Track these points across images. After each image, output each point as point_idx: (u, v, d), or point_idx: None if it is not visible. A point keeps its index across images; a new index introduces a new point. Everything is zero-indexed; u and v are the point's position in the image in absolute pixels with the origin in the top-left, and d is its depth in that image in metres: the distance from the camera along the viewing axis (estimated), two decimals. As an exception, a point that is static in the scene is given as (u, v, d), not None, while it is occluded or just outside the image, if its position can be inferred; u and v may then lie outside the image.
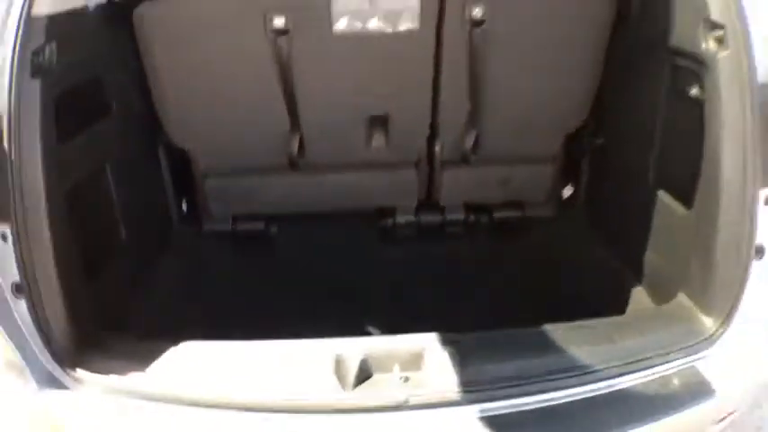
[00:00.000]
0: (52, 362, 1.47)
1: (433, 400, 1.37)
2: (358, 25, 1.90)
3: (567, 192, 2.53)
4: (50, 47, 1.51)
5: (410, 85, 2.07)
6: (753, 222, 1.48)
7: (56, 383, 1.47)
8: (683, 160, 1.71)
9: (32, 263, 1.43)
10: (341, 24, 1.90)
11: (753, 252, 1.50)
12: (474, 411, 1.35)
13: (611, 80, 2.12)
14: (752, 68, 1.43)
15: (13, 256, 1.41)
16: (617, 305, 1.88)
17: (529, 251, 2.36)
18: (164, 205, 2.37)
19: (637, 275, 1.98)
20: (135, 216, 2.03)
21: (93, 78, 1.84)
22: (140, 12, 1.91)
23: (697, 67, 1.62)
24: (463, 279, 2.24)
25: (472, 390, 1.38)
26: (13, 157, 1.40)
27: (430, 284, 2.20)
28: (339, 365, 1.42)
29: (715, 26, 1.52)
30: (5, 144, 1.40)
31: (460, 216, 2.41)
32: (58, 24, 1.54)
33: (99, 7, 1.85)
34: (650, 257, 1.93)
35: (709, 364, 1.51)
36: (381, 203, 2.41)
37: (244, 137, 2.18)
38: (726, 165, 1.53)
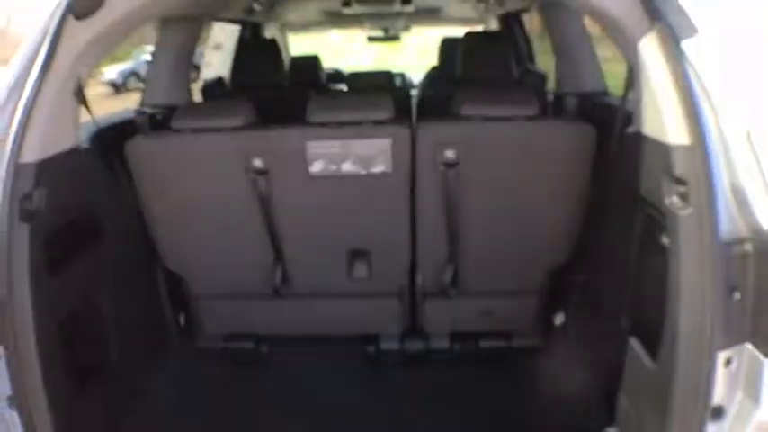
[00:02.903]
0: None
1: None
2: (332, 168, 1.99)
3: (559, 320, 2.49)
4: (39, 192, 1.63)
5: (387, 222, 2.14)
6: (710, 382, 1.43)
7: None
8: (651, 310, 1.66)
9: (23, 380, 1.55)
10: (316, 167, 1.99)
11: (708, 413, 1.45)
12: None
13: (592, 220, 2.13)
14: (714, 228, 1.38)
15: (4, 372, 1.53)
16: None
17: (515, 380, 2.32)
18: (160, 320, 2.45)
19: (609, 412, 1.93)
20: (128, 333, 2.11)
21: (86, 212, 1.94)
22: (132, 144, 2.05)
23: (663, 219, 1.59)
24: (448, 407, 2.20)
25: None
26: (4, 291, 1.51)
27: (414, 410, 2.17)
28: None
29: (678, 181, 1.49)
30: None
31: (445, 344, 2.41)
32: (47, 170, 1.66)
33: (91, 144, 1.99)
34: (622, 400, 1.88)
35: None
36: (366, 331, 2.43)
37: (231, 265, 2.27)
38: (684, 321, 1.48)
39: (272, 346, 2.47)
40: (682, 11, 1.49)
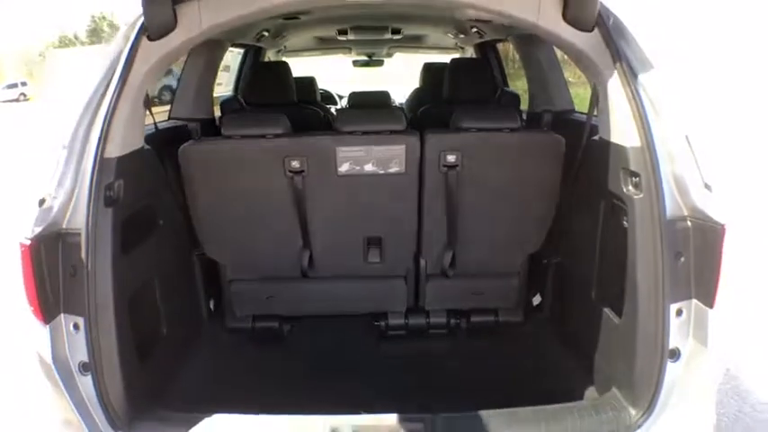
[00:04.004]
0: (108, 427, 1.76)
1: None
2: (357, 168, 2.41)
3: (537, 300, 2.93)
4: (119, 183, 1.91)
5: (399, 214, 2.55)
6: (665, 330, 1.77)
7: None
8: (615, 278, 2.05)
9: (99, 347, 1.76)
10: (343, 168, 2.41)
11: (666, 355, 1.78)
12: None
13: (563, 212, 2.57)
14: (661, 208, 1.76)
15: (82, 341, 1.75)
16: (568, 396, 2.10)
17: (500, 350, 2.71)
18: (195, 304, 2.77)
19: (585, 372, 2.29)
20: (174, 314, 2.41)
21: (148, 203, 2.23)
22: (184, 149, 2.39)
23: (623, 205, 2.00)
24: (443, 371, 2.56)
25: None
26: (89, 266, 1.75)
27: (415, 375, 2.50)
28: None
29: (632, 174, 1.90)
30: (83, 255, 1.74)
31: (443, 320, 2.82)
32: (124, 165, 1.92)
33: (153, 146, 2.28)
34: (594, 358, 2.24)
35: None
36: (376, 309, 2.82)
37: (264, 252, 2.64)
38: (642, 283, 1.84)
39: (294, 325, 2.84)
40: (639, 50, 1.87)
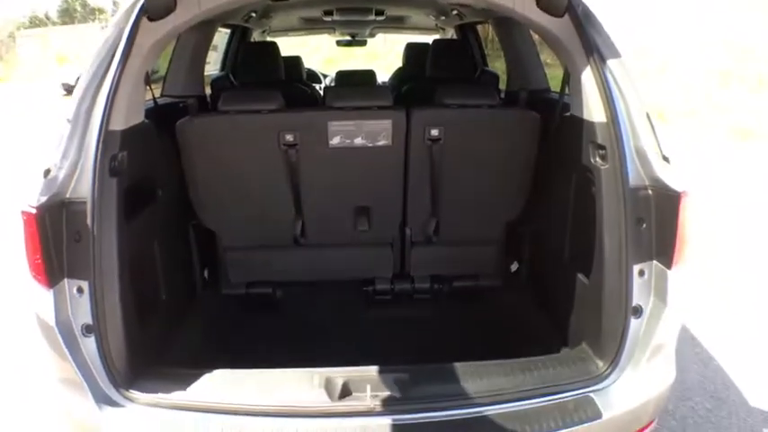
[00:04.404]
0: (110, 386, 1.83)
1: (392, 409, 1.82)
2: (347, 141, 2.56)
3: (514, 267, 3.12)
4: (122, 155, 1.98)
5: (386, 185, 2.72)
6: (629, 289, 1.90)
7: (112, 403, 1.83)
8: (584, 243, 2.21)
9: (103, 310, 1.83)
10: (335, 141, 2.56)
11: (630, 312, 1.92)
12: (419, 418, 1.82)
13: (539, 183, 2.75)
14: (625, 177, 1.89)
15: (86, 304, 1.80)
16: (542, 351, 2.20)
17: (480, 312, 2.88)
18: (191, 272, 2.89)
19: (557, 329, 2.47)
20: (172, 280, 2.52)
21: (148, 174, 2.30)
22: (183, 123, 2.50)
23: (591, 176, 2.15)
24: (427, 332, 2.70)
25: (419, 403, 1.85)
26: (94, 232, 1.80)
27: (401, 336, 2.65)
28: (328, 385, 1.88)
29: (599, 147, 2.04)
30: (89, 222, 1.79)
31: (426, 285, 2.99)
32: (127, 138, 1.99)
33: (152, 120, 2.35)
34: (566, 317, 2.41)
35: (599, 394, 1.92)
36: (364, 275, 2.99)
37: (258, 222, 2.78)
38: (608, 247, 1.99)
39: (286, 291, 2.98)
40: (606, 36, 2.00)
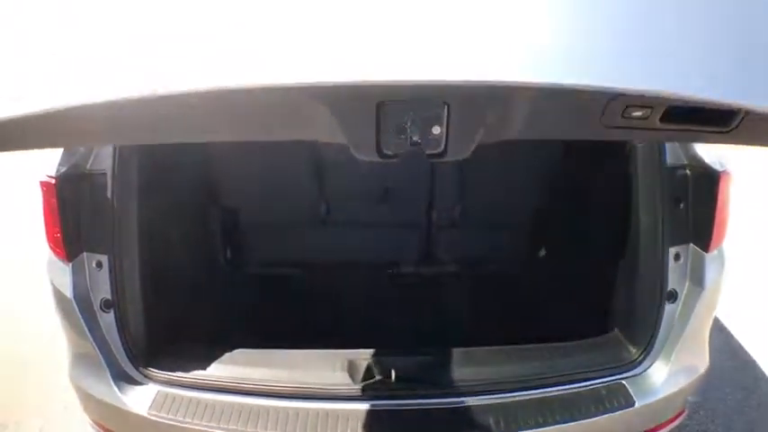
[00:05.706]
0: (128, 362, 1.81)
1: (419, 393, 1.79)
2: None
3: (542, 252, 3.02)
4: None
5: (413, 168, 2.64)
6: (664, 274, 1.85)
7: (130, 380, 1.81)
8: (617, 225, 2.12)
9: (123, 285, 1.80)
10: None
11: (665, 297, 1.87)
12: (446, 402, 1.78)
13: (567, 165, 2.66)
14: (662, 156, 1.84)
15: (105, 279, 1.78)
16: (573, 337, 2.16)
17: (507, 297, 2.80)
18: (213, 250, 2.84)
19: (588, 315, 2.37)
20: (192, 257, 2.48)
21: (168, 151, 2.19)
22: None
23: (626, 154, 2.03)
24: (452, 316, 2.64)
25: (446, 388, 1.81)
26: (115, 205, 1.78)
27: (425, 320, 2.59)
28: (351, 367, 1.85)
29: None
30: (109, 194, 1.77)
31: (452, 269, 2.93)
32: None
33: None
34: (597, 302, 2.32)
35: (631, 381, 1.88)
36: (389, 257, 2.93)
37: (281, 202, 2.74)
38: (643, 226, 1.92)
39: (308, 271, 2.92)
40: None
